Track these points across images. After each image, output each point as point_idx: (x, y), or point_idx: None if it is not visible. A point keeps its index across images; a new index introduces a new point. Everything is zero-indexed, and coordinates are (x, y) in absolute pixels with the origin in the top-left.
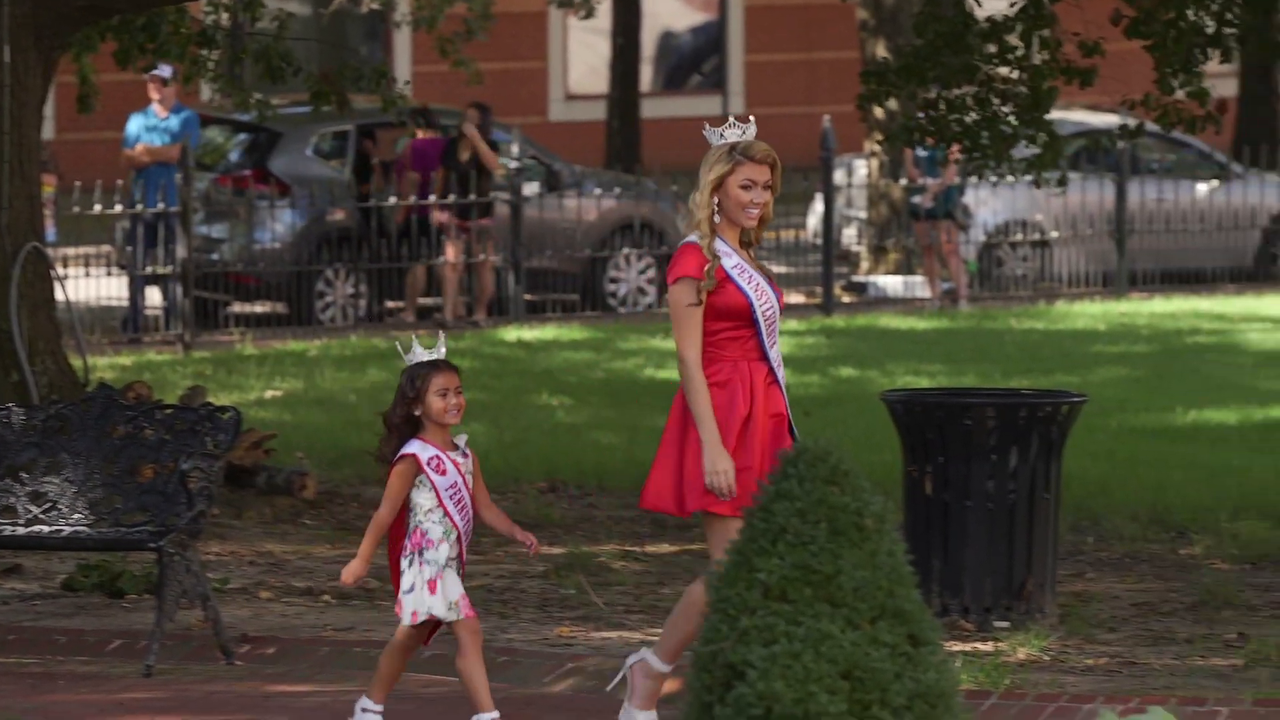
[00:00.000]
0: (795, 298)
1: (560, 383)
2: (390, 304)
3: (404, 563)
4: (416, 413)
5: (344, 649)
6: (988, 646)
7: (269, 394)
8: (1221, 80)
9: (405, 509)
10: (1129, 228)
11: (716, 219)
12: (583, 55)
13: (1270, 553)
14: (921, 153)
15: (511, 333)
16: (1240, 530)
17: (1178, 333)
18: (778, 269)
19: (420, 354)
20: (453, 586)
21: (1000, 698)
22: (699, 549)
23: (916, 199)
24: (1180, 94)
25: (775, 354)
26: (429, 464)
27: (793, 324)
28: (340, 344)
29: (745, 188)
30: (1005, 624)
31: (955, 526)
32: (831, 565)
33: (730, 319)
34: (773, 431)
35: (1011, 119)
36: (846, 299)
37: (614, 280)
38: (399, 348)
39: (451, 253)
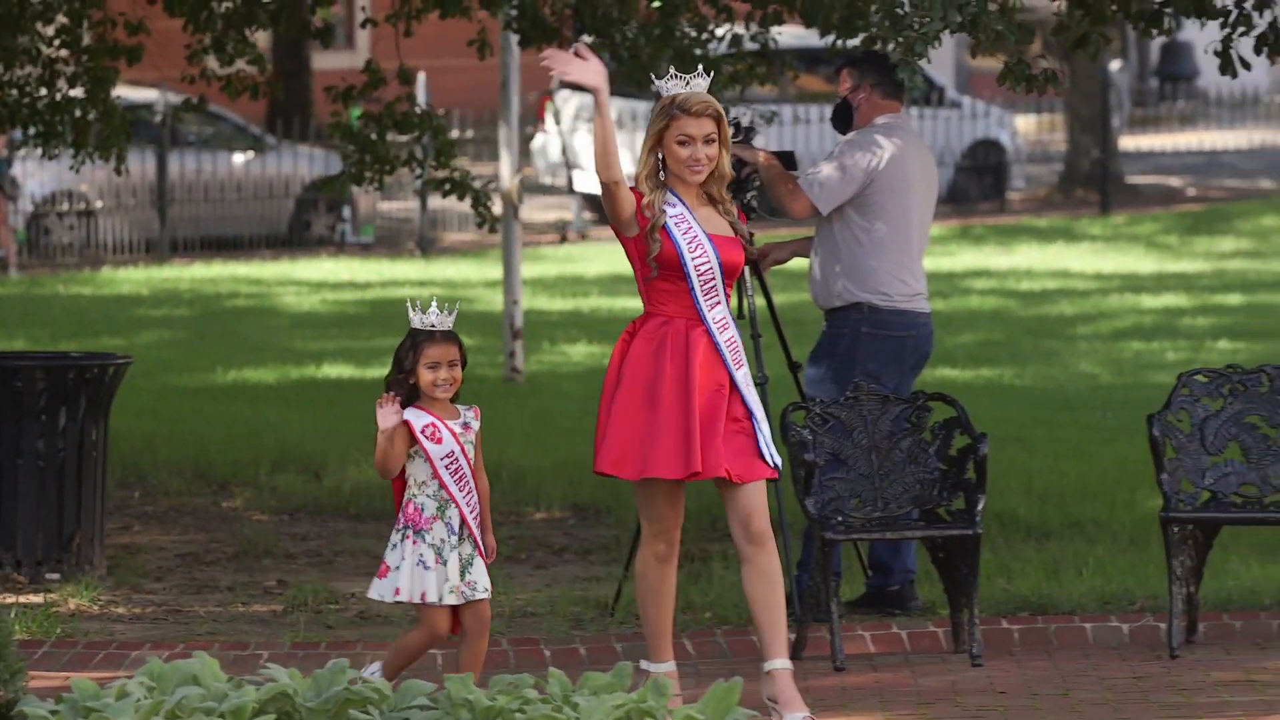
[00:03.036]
0: None
1: None
2: None
3: (394, 536)
4: (411, 381)
5: None
6: (39, 598)
7: None
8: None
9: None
10: (170, 197)
11: (661, 175)
12: None
13: (306, 504)
14: None
15: None
16: (278, 483)
17: (218, 297)
18: None
19: (424, 318)
20: (450, 571)
21: (52, 646)
22: None
23: None
24: (242, 64)
25: (717, 315)
26: (423, 431)
27: None
28: None
29: (682, 143)
30: (56, 576)
31: (7, 484)
32: None
33: (663, 268)
34: (710, 400)
35: (79, 101)
36: None
37: None
38: (409, 306)
39: None
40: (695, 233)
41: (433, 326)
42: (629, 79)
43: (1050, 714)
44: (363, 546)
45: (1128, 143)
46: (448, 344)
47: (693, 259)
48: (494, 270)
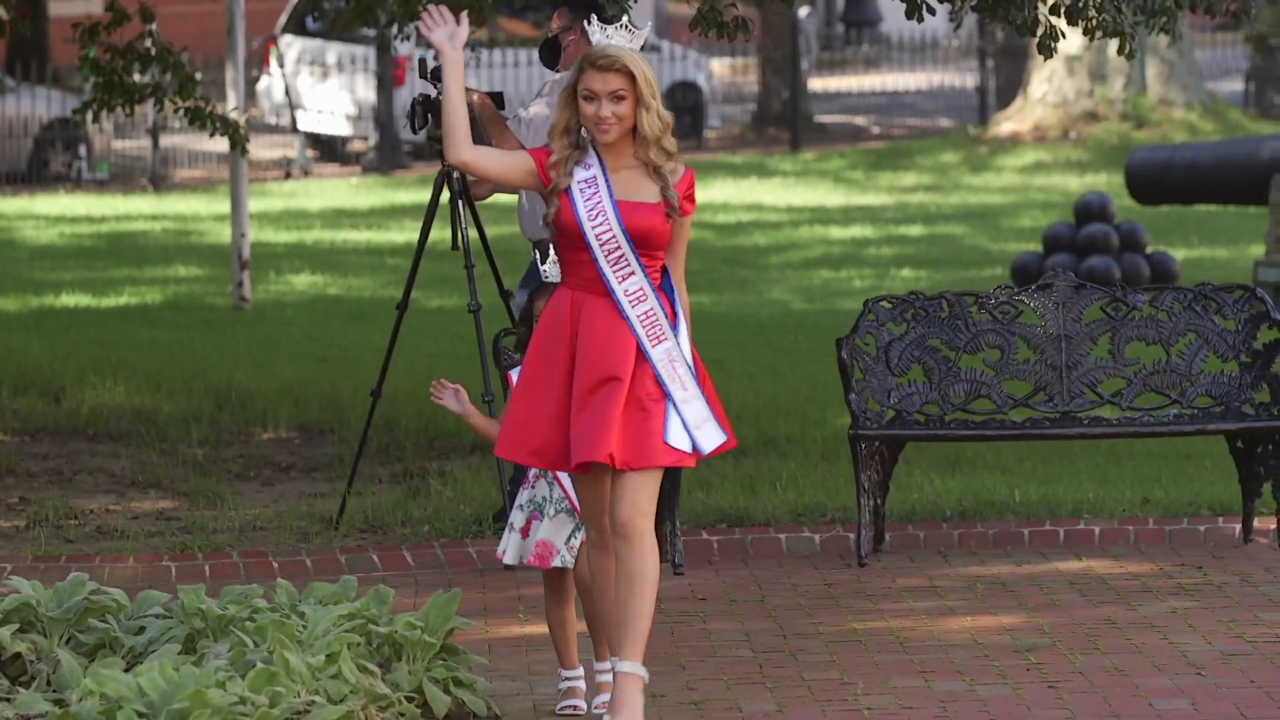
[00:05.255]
0: None
1: None
2: None
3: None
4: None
5: None
6: None
7: None
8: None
9: None
10: None
11: (584, 133)
12: None
13: (46, 425)
14: None
15: None
16: (20, 405)
17: None
18: None
19: (548, 270)
20: (541, 530)
21: None
22: None
23: None
24: None
25: (630, 286)
26: None
27: None
28: None
29: (587, 99)
30: None
31: None
32: None
33: (565, 237)
34: (599, 379)
35: None
36: None
37: None
38: (538, 256)
39: None
40: (599, 199)
41: (551, 279)
42: (357, 20)
43: (747, 619)
44: (100, 465)
45: (816, 84)
46: None
47: (592, 226)
48: (222, 205)
